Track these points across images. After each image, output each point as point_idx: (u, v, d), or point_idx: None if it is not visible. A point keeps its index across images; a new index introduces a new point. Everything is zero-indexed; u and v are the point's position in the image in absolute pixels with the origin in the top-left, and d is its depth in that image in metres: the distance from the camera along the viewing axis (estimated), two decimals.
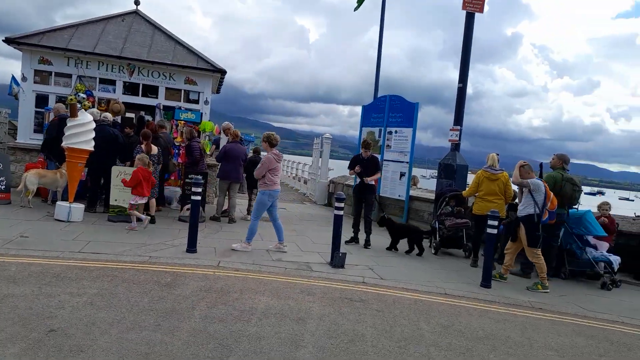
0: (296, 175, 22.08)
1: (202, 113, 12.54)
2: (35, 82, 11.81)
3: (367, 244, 8.89)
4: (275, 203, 7.75)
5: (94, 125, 8.71)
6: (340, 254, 7.02)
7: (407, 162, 11.61)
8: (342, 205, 7.15)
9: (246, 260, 6.84)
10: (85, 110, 11.65)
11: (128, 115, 13.76)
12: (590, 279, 8.08)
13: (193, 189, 6.99)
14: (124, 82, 12.50)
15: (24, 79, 11.65)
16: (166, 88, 12.68)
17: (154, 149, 9.26)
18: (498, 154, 8.17)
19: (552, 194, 7.16)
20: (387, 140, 12.18)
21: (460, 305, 5.84)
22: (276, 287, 5.67)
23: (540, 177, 8.42)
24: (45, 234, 7.12)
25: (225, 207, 10.35)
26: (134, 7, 14.22)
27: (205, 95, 12.87)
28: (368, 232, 8.96)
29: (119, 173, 8.91)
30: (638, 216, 10.47)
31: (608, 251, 8.03)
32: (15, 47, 11.56)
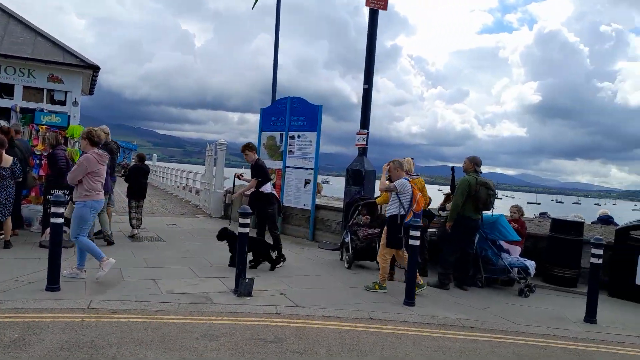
0: (186, 185, 20.29)
1: (69, 116, 10.58)
2: None
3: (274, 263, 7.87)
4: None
5: None
6: (247, 280, 5.91)
7: (311, 169, 10.81)
8: (247, 221, 6.06)
9: (126, 296, 5.44)
10: None
11: None
12: (505, 285, 7.87)
13: (53, 209, 5.43)
14: None
15: None
16: (24, 87, 10.54)
17: (7, 160, 7.39)
18: (413, 158, 7.66)
19: (419, 194, 6.93)
20: (290, 145, 11.29)
21: (390, 332, 5.06)
22: (167, 333, 4.41)
23: (453, 181, 8.08)
24: None
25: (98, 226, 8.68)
26: None
27: (73, 95, 10.92)
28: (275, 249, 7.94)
29: None
30: (543, 215, 10.74)
31: (521, 255, 7.90)
32: None
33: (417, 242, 6.18)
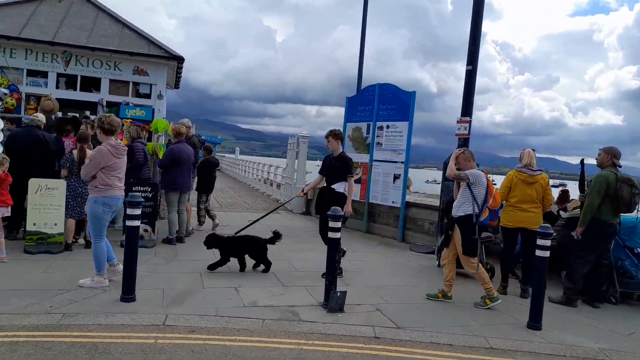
0: (267, 179, 20.04)
1: (154, 109, 10.42)
2: None
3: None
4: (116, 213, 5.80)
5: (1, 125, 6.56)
6: (339, 293, 5.11)
7: (402, 162, 9.81)
8: (338, 225, 5.25)
9: (206, 309, 4.85)
10: (7, 108, 9.45)
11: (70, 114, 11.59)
12: None
13: (129, 210, 4.96)
14: (59, 74, 10.29)
15: None
16: (110, 80, 10.53)
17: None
18: (534, 150, 6.42)
19: (494, 188, 5.76)
20: (377, 137, 10.36)
21: None
22: None
23: (582, 177, 6.75)
24: None
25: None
26: None
27: (158, 88, 10.76)
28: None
29: (39, 187, 6.79)
30: None
31: None
32: None
33: (546, 254, 5.04)
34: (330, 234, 5.22)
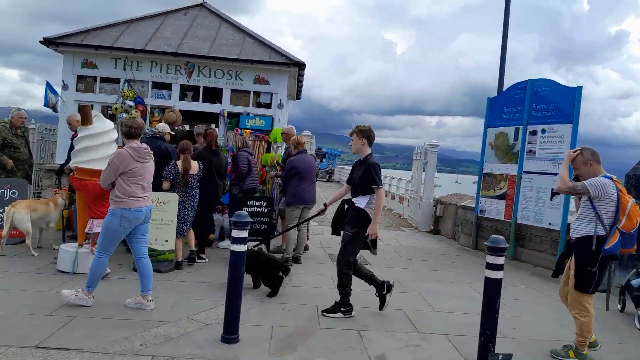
0: (388, 191, 18.72)
1: (273, 119, 9.82)
2: (77, 91, 9.87)
3: None
4: (139, 231, 4.77)
5: (114, 136, 6.26)
6: (501, 356, 3.69)
7: None
8: (500, 260, 3.82)
9: None
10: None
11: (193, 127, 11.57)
12: None
13: (234, 233, 4.09)
14: (182, 86, 10.22)
15: (64, 87, 9.75)
16: (232, 90, 10.20)
17: (194, 166, 6.62)
18: None
19: (630, 202, 4.16)
20: (529, 143, 8.57)
21: None
22: None
23: None
24: (21, 299, 4.65)
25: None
26: None
27: (279, 97, 10.19)
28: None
29: (157, 200, 6.36)
30: None
31: None
32: (54, 49, 9.71)
33: None
34: (488, 273, 3.82)
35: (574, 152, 4.37)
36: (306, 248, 8.15)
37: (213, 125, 12.18)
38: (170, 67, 10.04)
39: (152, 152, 4.91)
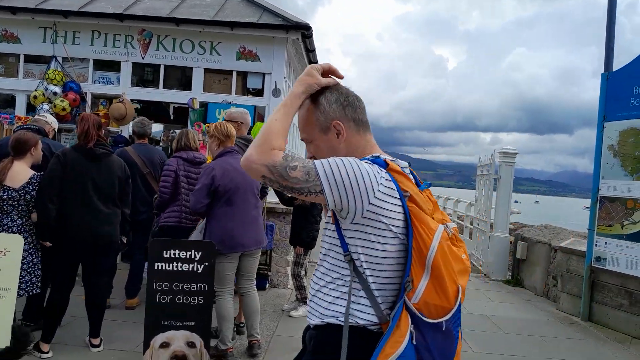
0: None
1: (256, 110, 6.43)
2: None
3: None
4: None
5: None
6: None
7: None
8: None
9: None
10: (57, 114, 6.41)
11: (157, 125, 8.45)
12: None
13: None
14: (135, 65, 7.07)
15: None
16: (206, 71, 6.96)
17: (17, 176, 3.25)
18: None
19: (438, 232, 1.39)
20: None
21: None
22: None
23: None
24: None
25: None
26: None
27: (274, 79, 6.82)
28: None
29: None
30: None
31: None
32: None
33: None
34: None
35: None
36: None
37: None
38: (118, 39, 6.92)
39: None
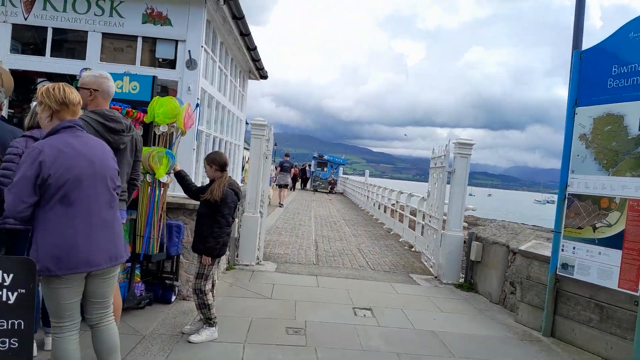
0: (395, 211, 13.92)
1: (154, 81, 5.16)
2: None
3: None
4: None
5: None
6: None
7: None
8: None
9: None
10: None
11: None
12: None
13: None
14: (15, 28, 5.70)
15: None
16: (104, 36, 5.66)
17: None
18: None
19: None
20: None
21: None
22: None
23: None
24: None
25: None
26: None
27: (187, 46, 5.61)
28: None
29: None
30: None
31: None
32: None
33: None
34: None
35: None
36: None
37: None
38: None
39: None
